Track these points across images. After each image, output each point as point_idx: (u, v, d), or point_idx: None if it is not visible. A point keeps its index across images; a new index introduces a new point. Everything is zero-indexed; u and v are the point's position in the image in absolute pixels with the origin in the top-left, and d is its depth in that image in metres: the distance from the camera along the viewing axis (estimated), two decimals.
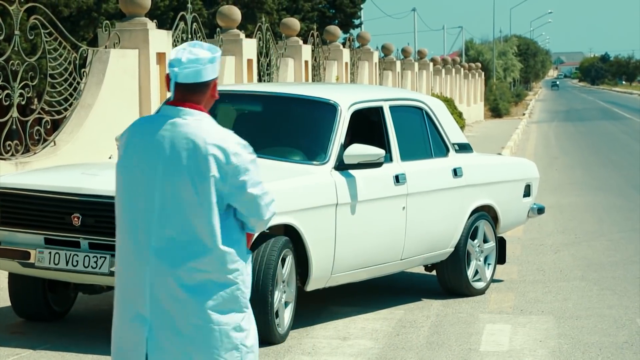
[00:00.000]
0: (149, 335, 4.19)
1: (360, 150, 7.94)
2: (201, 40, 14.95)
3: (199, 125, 4.20)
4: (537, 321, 8.21)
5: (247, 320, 4.28)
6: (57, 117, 11.93)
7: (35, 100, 15.22)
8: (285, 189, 7.51)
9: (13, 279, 7.67)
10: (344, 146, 8.01)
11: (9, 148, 10.71)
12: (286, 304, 7.42)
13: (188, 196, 4.17)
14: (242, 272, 4.25)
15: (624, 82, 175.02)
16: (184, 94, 4.22)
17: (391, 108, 8.65)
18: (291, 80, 19.20)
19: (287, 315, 7.42)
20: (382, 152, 8.01)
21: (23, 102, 11.20)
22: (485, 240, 9.28)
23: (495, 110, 53.13)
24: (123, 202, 4.30)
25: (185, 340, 4.18)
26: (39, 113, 11.53)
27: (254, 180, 4.21)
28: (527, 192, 9.93)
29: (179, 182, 4.17)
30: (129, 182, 4.28)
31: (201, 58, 4.21)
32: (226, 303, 4.20)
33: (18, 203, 7.29)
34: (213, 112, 9.19)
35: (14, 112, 10.77)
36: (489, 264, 9.36)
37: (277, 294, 7.23)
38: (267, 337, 7.20)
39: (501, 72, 73.97)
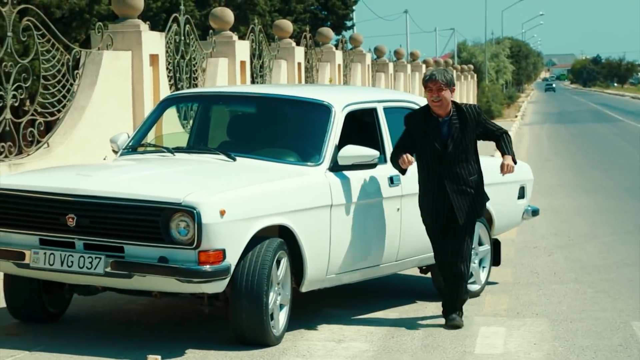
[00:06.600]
0: None
1: (354, 152, 7.93)
2: (194, 41, 14.92)
3: None
4: (531, 324, 8.21)
5: None
6: (50, 118, 11.90)
7: (28, 102, 15.18)
8: (279, 190, 7.50)
9: (8, 280, 7.65)
10: (338, 147, 8.00)
11: (2, 150, 10.68)
12: (281, 306, 7.40)
13: None
14: None
15: (615, 84, 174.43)
16: None
17: (385, 109, 8.65)
18: (284, 82, 19.19)
19: (282, 317, 7.41)
20: (376, 153, 8.01)
21: (16, 104, 11.17)
22: (480, 243, 9.25)
23: (487, 112, 53.15)
24: None
25: None
26: (32, 115, 11.49)
27: None
28: (521, 194, 9.93)
29: None
30: None
31: None
32: None
33: (13, 204, 7.27)
34: (207, 114, 9.29)
35: (7, 114, 10.74)
36: (483, 267, 9.33)
37: (272, 296, 7.22)
38: (262, 339, 7.19)
39: (493, 74, 73.97)
